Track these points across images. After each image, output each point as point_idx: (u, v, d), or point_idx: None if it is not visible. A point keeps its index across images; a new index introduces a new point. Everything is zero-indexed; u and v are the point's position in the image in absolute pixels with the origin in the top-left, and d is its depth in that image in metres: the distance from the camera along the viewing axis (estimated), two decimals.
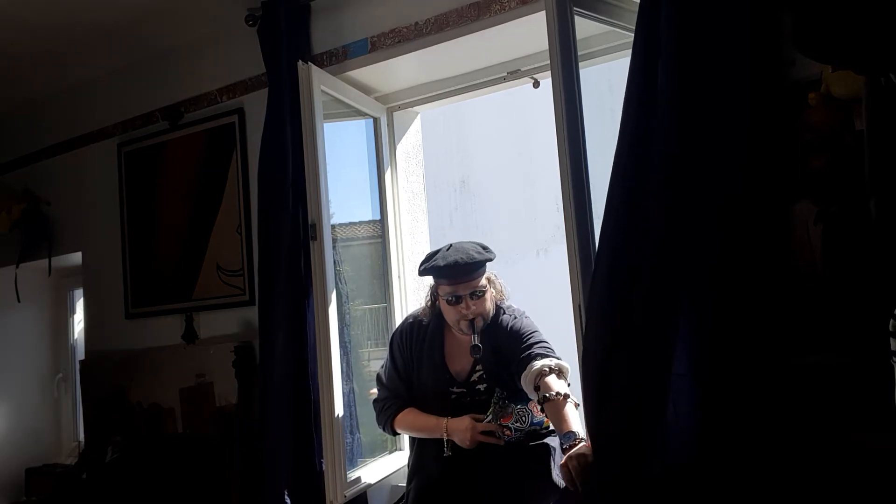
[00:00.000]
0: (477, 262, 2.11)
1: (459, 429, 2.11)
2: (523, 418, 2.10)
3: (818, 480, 1.70)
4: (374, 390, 2.43)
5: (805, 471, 1.71)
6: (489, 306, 2.19)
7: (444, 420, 2.15)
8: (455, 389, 2.23)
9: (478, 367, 2.20)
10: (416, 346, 2.28)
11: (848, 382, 1.71)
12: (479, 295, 2.14)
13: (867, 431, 1.66)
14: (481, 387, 2.20)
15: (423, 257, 2.26)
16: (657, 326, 1.73)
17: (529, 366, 2.02)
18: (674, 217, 1.75)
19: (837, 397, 1.72)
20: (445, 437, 2.15)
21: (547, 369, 1.99)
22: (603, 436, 1.78)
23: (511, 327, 2.18)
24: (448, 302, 2.15)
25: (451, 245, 2.17)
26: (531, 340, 2.11)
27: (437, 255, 2.15)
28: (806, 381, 1.76)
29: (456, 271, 2.10)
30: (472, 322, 2.14)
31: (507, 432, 2.10)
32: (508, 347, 2.14)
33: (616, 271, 1.77)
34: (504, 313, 2.22)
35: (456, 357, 2.25)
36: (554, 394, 1.93)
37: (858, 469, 1.67)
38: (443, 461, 2.16)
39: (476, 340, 2.10)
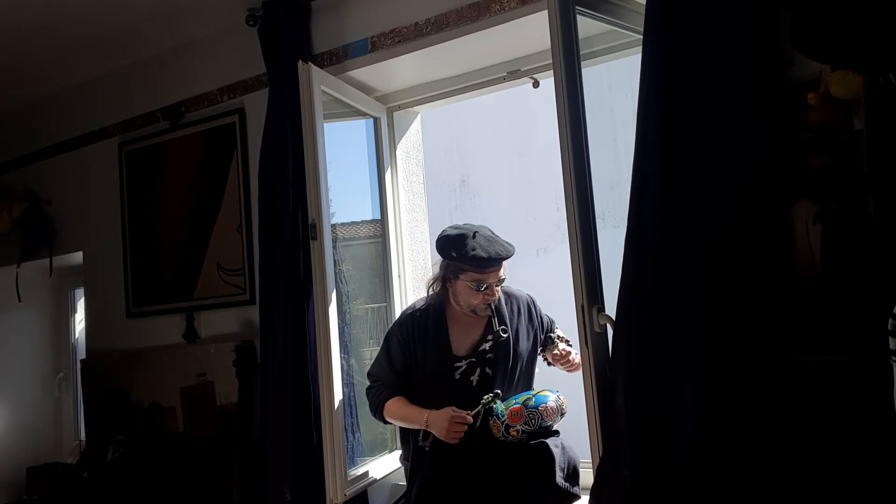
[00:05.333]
0: (511, 255, 2.24)
1: (438, 420, 2.14)
2: (533, 421, 2.12)
3: (821, 478, 1.71)
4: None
5: (807, 468, 1.72)
6: None
7: (427, 412, 2.18)
8: (459, 364, 2.27)
9: (488, 338, 2.28)
10: (420, 332, 2.31)
11: (848, 381, 1.71)
12: (501, 282, 2.27)
13: (866, 429, 1.67)
14: (490, 355, 2.27)
15: (442, 236, 2.27)
16: (661, 324, 1.74)
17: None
18: (677, 215, 1.75)
19: (838, 396, 1.73)
20: (425, 428, 2.18)
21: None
22: (609, 435, 1.79)
23: (524, 302, 2.39)
24: (476, 289, 2.22)
25: (475, 232, 2.23)
26: (552, 324, 2.42)
27: (472, 244, 2.19)
28: (806, 380, 1.76)
29: (496, 263, 2.21)
30: (489, 304, 2.27)
31: (514, 432, 2.12)
32: (528, 319, 2.36)
33: (630, 270, 1.80)
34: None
35: (459, 338, 2.30)
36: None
37: (859, 467, 1.68)
38: (441, 460, 2.16)
39: (497, 324, 2.28)
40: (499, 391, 2.19)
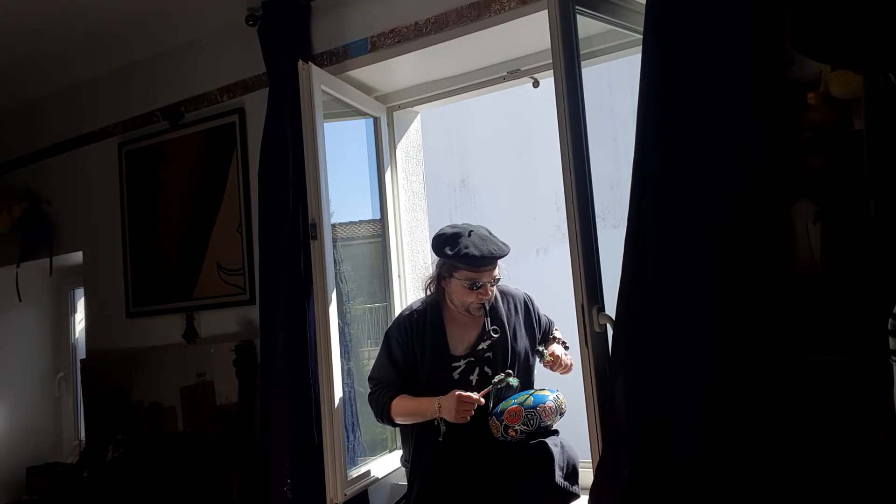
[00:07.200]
0: (505, 254, 2.23)
1: (448, 403, 2.13)
2: (531, 421, 2.12)
3: (822, 478, 1.71)
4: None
5: (808, 468, 1.72)
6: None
7: (437, 399, 2.17)
8: (458, 363, 2.27)
9: (485, 338, 2.28)
10: (418, 333, 2.31)
11: (848, 381, 1.71)
12: (495, 281, 2.26)
13: (868, 430, 1.67)
14: (489, 354, 2.27)
15: (437, 234, 2.28)
16: (661, 324, 1.74)
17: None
18: (677, 215, 1.75)
19: (838, 396, 1.73)
20: (439, 417, 2.16)
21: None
22: (609, 435, 1.79)
23: (520, 301, 2.38)
24: (469, 288, 2.22)
25: (471, 231, 2.23)
26: (550, 325, 2.42)
27: (465, 242, 2.19)
28: (806, 380, 1.76)
29: (489, 262, 2.20)
30: (483, 305, 2.26)
31: (513, 433, 2.12)
32: (525, 318, 2.36)
33: (630, 270, 1.80)
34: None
35: (457, 338, 2.30)
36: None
37: (860, 467, 1.68)
38: (441, 460, 2.16)
39: (489, 324, 2.27)
40: (510, 370, 2.20)
